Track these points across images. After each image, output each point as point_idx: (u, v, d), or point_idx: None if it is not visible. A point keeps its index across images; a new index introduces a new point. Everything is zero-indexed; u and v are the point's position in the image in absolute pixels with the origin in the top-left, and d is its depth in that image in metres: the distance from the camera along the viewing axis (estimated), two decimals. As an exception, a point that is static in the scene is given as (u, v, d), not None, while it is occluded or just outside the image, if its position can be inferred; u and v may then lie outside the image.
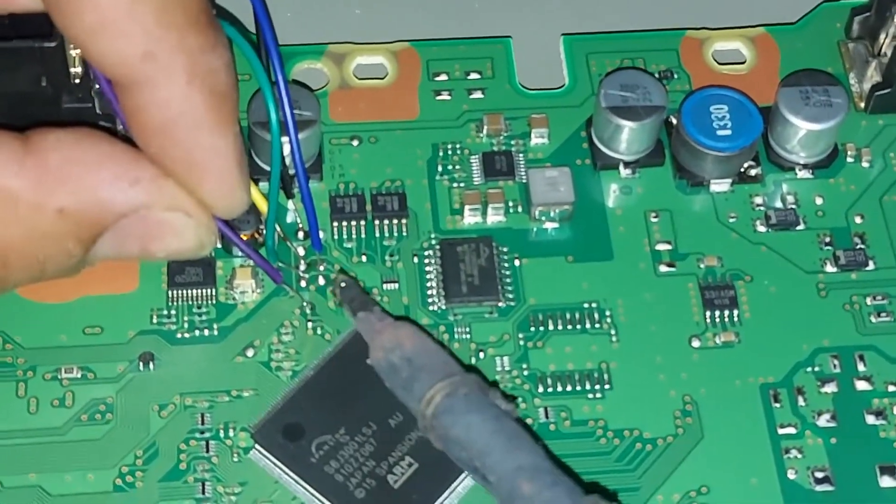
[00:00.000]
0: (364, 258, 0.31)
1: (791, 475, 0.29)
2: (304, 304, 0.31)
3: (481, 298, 0.31)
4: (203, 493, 0.29)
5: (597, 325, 0.31)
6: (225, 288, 0.31)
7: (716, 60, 0.34)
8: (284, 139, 0.30)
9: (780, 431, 0.30)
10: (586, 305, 0.31)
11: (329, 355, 0.30)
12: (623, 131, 0.32)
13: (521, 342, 0.31)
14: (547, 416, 0.30)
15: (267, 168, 0.31)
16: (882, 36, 0.33)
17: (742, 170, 0.33)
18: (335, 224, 0.32)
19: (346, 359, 0.30)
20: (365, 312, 0.30)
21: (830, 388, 0.30)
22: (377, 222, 0.32)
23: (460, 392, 0.28)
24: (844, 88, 0.32)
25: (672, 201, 0.32)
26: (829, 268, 0.32)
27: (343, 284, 0.31)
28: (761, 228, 0.32)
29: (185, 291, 0.31)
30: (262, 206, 0.30)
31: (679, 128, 0.32)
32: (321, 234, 0.31)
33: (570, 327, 0.31)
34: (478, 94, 0.34)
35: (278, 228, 0.31)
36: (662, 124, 0.33)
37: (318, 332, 0.31)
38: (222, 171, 0.27)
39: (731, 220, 0.32)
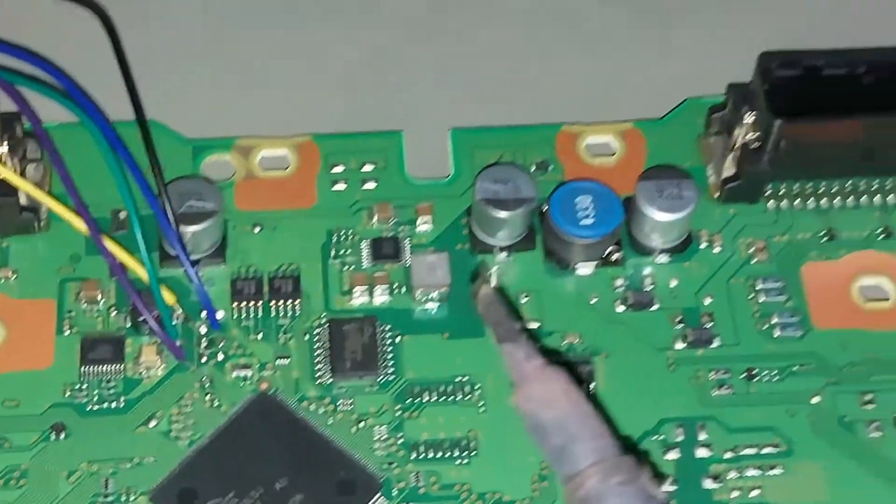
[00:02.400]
0: (260, 336, 0.35)
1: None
2: (203, 378, 0.34)
3: (363, 373, 0.35)
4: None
5: (467, 397, 0.34)
6: (132, 364, 0.34)
7: (588, 153, 0.38)
8: (189, 228, 0.35)
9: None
10: (458, 379, 0.34)
11: (223, 425, 0.34)
12: (496, 220, 0.36)
13: (398, 413, 0.34)
14: (418, 481, 0.33)
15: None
16: (735, 132, 0.37)
17: (605, 254, 0.36)
18: (235, 304, 0.35)
19: (238, 429, 0.33)
20: (511, 345, 0.31)
21: (673, 455, 0.34)
22: (273, 303, 0.35)
23: (614, 480, 0.29)
24: (695, 182, 0.36)
25: (541, 283, 0.36)
26: (679, 345, 0.35)
27: (488, 301, 0.30)
28: (620, 308, 0.36)
29: (96, 368, 0.34)
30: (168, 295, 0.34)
31: (547, 217, 0.36)
32: (220, 314, 0.35)
33: (443, 399, 0.34)
34: (370, 184, 0.37)
35: (180, 310, 0.35)
36: (533, 213, 0.36)
37: (215, 404, 0.34)
38: None
39: (592, 301, 0.36)
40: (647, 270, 0.36)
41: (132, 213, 0.34)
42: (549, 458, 0.30)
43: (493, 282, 0.34)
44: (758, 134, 0.36)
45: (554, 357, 0.33)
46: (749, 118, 0.36)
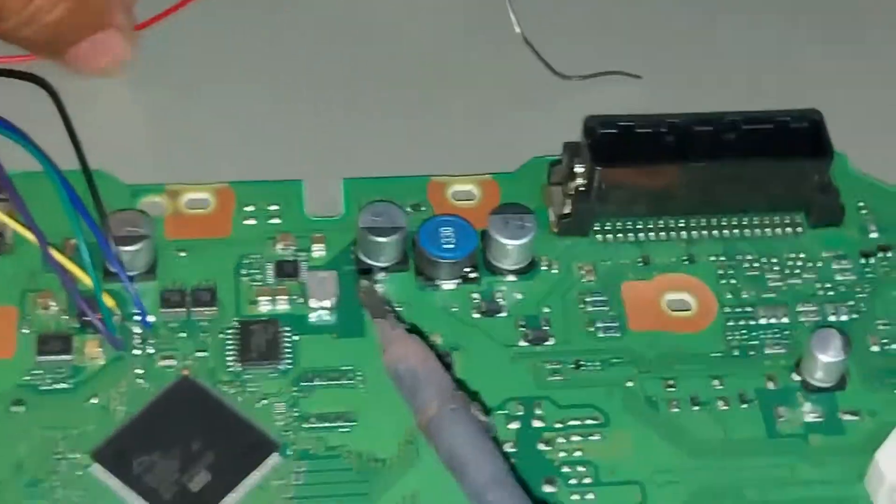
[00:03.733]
0: (184, 335, 0.43)
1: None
2: (136, 366, 0.42)
3: (266, 362, 0.43)
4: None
5: (350, 381, 0.42)
6: (79, 355, 0.42)
7: (454, 198, 0.47)
8: (126, 248, 0.43)
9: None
10: (343, 368, 0.43)
11: (151, 401, 0.41)
12: (376, 245, 0.44)
13: (294, 393, 0.42)
14: (308, 444, 0.41)
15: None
16: (569, 183, 0.46)
17: (465, 273, 0.45)
18: (163, 310, 0.43)
19: (163, 404, 0.41)
20: (381, 320, 0.41)
21: (515, 425, 0.42)
22: (195, 309, 0.44)
23: (448, 407, 0.38)
24: (536, 217, 0.45)
25: (413, 296, 0.44)
26: (521, 343, 0.43)
27: (366, 289, 0.41)
28: (475, 315, 0.44)
29: (49, 358, 0.42)
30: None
31: (417, 243, 0.44)
32: (151, 318, 0.43)
33: (330, 383, 0.42)
34: (276, 220, 0.46)
35: (118, 313, 0.43)
36: (405, 240, 0.45)
37: (146, 386, 0.42)
38: None
39: (453, 310, 0.44)
40: (498, 287, 0.45)
41: (79, 236, 0.42)
42: (405, 398, 0.39)
43: (372, 282, 0.43)
44: (586, 180, 0.46)
45: (414, 330, 0.42)
46: (579, 168, 0.46)
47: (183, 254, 0.45)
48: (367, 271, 0.44)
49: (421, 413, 0.39)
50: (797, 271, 0.45)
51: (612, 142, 0.45)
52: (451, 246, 0.44)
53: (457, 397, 0.39)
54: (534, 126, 0.50)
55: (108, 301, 0.43)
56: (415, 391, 0.39)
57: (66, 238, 0.44)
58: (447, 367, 0.40)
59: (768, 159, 0.45)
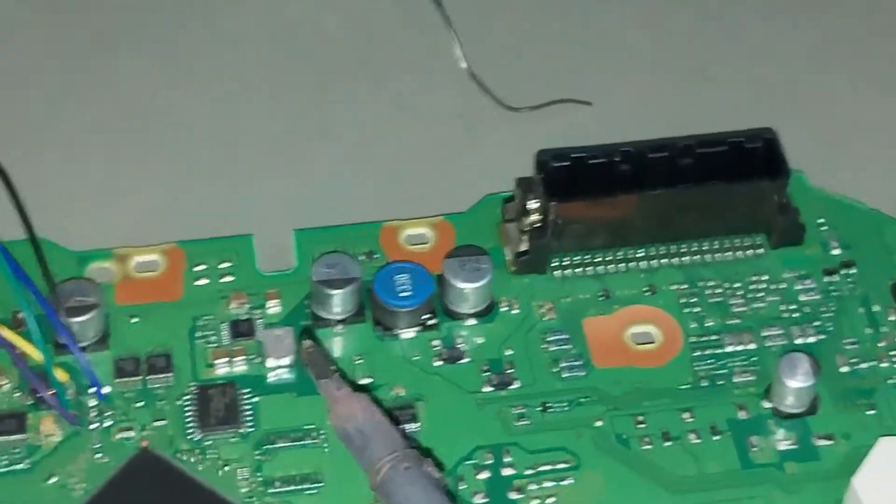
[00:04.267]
0: (140, 404, 0.42)
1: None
2: (93, 441, 0.41)
3: (226, 427, 0.42)
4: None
5: (314, 441, 0.41)
6: (34, 433, 0.41)
7: (407, 242, 0.46)
8: (76, 319, 0.42)
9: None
10: (305, 427, 0.42)
11: (110, 476, 0.40)
12: (330, 297, 0.43)
13: (257, 456, 0.41)
14: (275, 510, 0.40)
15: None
16: (524, 219, 0.45)
17: (423, 320, 0.44)
18: (118, 380, 0.42)
19: (124, 478, 0.40)
20: (326, 380, 0.40)
21: (484, 475, 0.41)
22: (150, 377, 0.43)
23: (401, 466, 0.38)
24: (491, 258, 0.44)
25: (372, 347, 0.43)
26: (486, 388, 0.43)
27: (310, 350, 0.40)
28: (437, 363, 0.43)
29: (3, 438, 0.41)
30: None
31: (373, 293, 0.44)
32: (106, 389, 0.42)
33: (293, 443, 0.41)
34: (228, 278, 0.45)
35: (72, 387, 0.41)
36: (360, 290, 0.44)
37: (105, 460, 0.41)
38: None
39: (414, 359, 0.43)
40: (458, 332, 0.44)
41: (25, 309, 0.41)
42: (356, 458, 0.38)
43: (315, 341, 0.42)
44: (541, 216, 0.45)
45: (361, 388, 0.41)
46: (533, 204, 0.45)
47: (135, 320, 0.44)
48: (308, 331, 0.43)
49: (372, 473, 0.38)
50: (760, 294, 0.45)
51: (566, 175, 0.44)
52: (408, 293, 0.44)
53: (409, 455, 0.38)
54: (486, 162, 0.49)
55: (61, 375, 0.42)
56: (364, 450, 0.38)
57: (16, 311, 0.43)
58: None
59: (725, 183, 0.44)
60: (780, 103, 0.50)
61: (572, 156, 0.44)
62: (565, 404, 0.42)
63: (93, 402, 0.42)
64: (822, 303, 0.45)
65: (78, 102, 0.50)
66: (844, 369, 0.43)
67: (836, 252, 0.46)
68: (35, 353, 0.42)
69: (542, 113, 0.50)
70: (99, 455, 0.41)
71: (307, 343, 0.41)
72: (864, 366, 0.43)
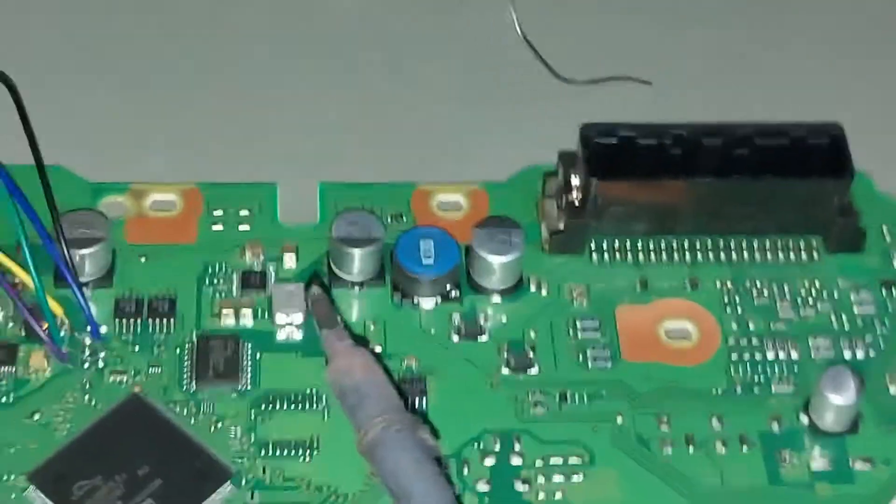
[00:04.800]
0: (137, 348, 0.40)
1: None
2: (84, 380, 0.39)
3: (224, 382, 0.39)
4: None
5: (314, 406, 0.39)
6: (23, 367, 0.39)
7: (439, 209, 0.43)
8: (78, 252, 0.40)
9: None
10: (308, 391, 0.39)
11: (97, 419, 0.38)
12: (349, 257, 0.41)
13: (253, 416, 0.39)
14: (264, 473, 0.38)
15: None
16: (564, 196, 0.42)
17: (446, 291, 0.41)
18: (117, 320, 0.40)
19: (110, 423, 0.38)
20: (329, 330, 0.37)
21: (490, 461, 0.38)
22: (150, 320, 0.40)
23: (393, 428, 0.35)
24: (523, 232, 0.41)
25: (388, 314, 0.41)
26: (503, 370, 0.40)
27: (316, 296, 0.38)
28: (455, 338, 0.41)
29: (-11, 367, 0.39)
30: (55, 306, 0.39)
31: (394, 256, 0.41)
32: (103, 328, 0.40)
33: (293, 406, 0.39)
34: (245, 227, 0.42)
35: (66, 321, 0.39)
36: (381, 252, 0.41)
37: (93, 403, 0.39)
38: None
39: (431, 331, 0.41)
40: (481, 307, 0.41)
41: (21, 236, 0.39)
42: (348, 416, 0.36)
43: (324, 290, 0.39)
44: (581, 194, 0.42)
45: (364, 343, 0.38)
46: (575, 180, 0.42)
47: (143, 259, 0.42)
48: (317, 276, 0.40)
49: (362, 433, 0.35)
50: (811, 301, 0.42)
51: (612, 153, 0.41)
52: (430, 261, 0.41)
53: (404, 418, 0.35)
54: (532, 133, 0.46)
55: (56, 309, 0.40)
56: (356, 410, 0.35)
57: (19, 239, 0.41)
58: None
59: (783, 178, 0.41)
60: (853, 99, 0.47)
61: (620, 133, 0.42)
62: (586, 396, 0.40)
63: (88, 341, 0.40)
64: (876, 317, 0.41)
65: (115, 35, 0.48)
66: (893, 390, 0.40)
67: (897, 264, 0.43)
68: (29, 282, 0.40)
69: (597, 88, 0.47)
70: (87, 396, 0.39)
71: (315, 290, 0.38)
72: (914, 388, 0.41)
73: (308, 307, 0.38)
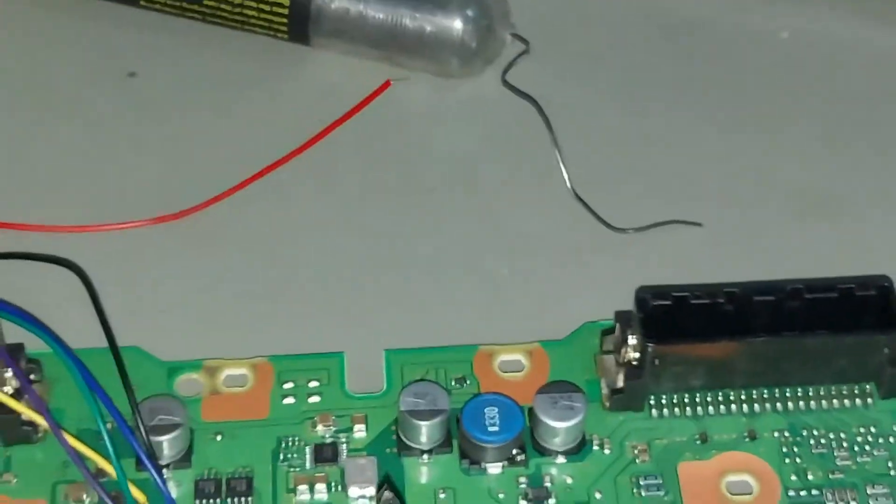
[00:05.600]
0: (219, 528, 0.42)
1: None
2: None
3: (303, 559, 0.41)
4: None
5: (391, 580, 0.41)
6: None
7: (500, 370, 0.45)
8: (158, 438, 0.41)
9: None
10: (382, 565, 0.41)
11: None
12: (417, 428, 0.42)
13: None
14: None
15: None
16: (622, 351, 0.43)
17: (511, 455, 0.43)
18: (198, 501, 0.42)
19: None
20: None
21: None
22: (229, 500, 0.42)
23: None
24: (584, 396, 0.42)
25: (457, 480, 0.42)
26: (571, 533, 0.41)
27: (387, 501, 0.39)
28: (522, 503, 0.42)
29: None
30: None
31: (461, 424, 0.42)
32: (185, 511, 0.42)
33: (370, 581, 0.41)
34: (315, 398, 0.44)
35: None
36: (448, 422, 0.43)
37: (179, 586, 0.41)
38: None
39: (500, 496, 0.42)
40: (546, 469, 0.43)
41: (99, 423, 0.41)
42: None
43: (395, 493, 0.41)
44: (638, 353, 0.43)
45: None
46: (632, 340, 0.43)
47: (219, 438, 0.43)
48: (388, 481, 0.42)
49: None
50: (867, 447, 0.43)
51: (666, 314, 0.43)
52: (496, 428, 0.42)
53: None
54: (588, 286, 0.47)
55: (139, 496, 0.41)
56: None
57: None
58: None
59: (833, 333, 0.42)
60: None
61: (673, 294, 0.43)
62: (654, 556, 0.41)
63: (172, 524, 0.42)
64: (931, 460, 0.43)
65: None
66: (952, 534, 0.41)
67: (952, 408, 0.44)
68: (110, 469, 0.41)
69: (648, 234, 0.48)
70: (178, 584, 0.41)
71: (387, 494, 0.40)
72: (974, 535, 0.41)
73: None
